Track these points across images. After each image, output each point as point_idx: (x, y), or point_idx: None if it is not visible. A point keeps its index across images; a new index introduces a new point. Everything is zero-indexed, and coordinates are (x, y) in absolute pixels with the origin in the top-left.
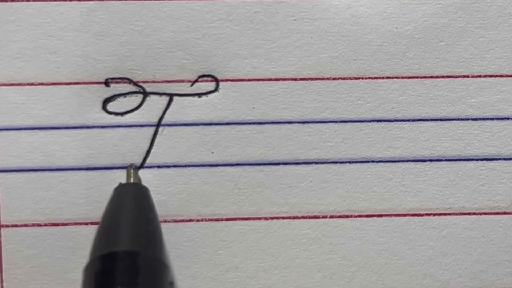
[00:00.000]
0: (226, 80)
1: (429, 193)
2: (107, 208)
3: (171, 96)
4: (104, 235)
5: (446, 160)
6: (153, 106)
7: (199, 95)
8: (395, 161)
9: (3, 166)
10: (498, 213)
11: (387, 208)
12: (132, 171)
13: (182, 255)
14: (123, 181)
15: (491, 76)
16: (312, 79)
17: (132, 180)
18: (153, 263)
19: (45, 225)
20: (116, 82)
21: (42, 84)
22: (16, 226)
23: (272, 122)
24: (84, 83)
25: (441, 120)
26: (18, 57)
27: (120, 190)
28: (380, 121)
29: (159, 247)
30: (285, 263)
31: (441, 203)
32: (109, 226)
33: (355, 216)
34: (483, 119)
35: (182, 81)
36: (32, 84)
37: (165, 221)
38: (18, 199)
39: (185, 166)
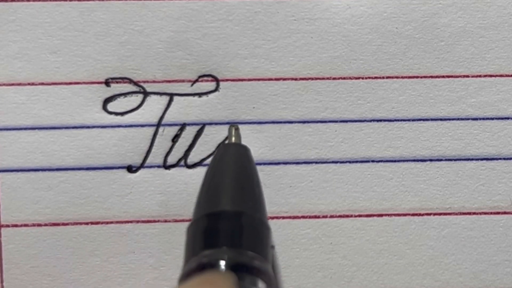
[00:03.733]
0: (226, 80)
1: (429, 193)
2: (210, 167)
3: (171, 96)
4: (208, 194)
5: (446, 160)
6: (153, 106)
7: (199, 95)
8: (395, 161)
9: (3, 166)
10: (498, 213)
11: (387, 208)
12: (233, 131)
13: (182, 255)
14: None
15: (491, 76)
16: (312, 79)
17: (233, 140)
18: (258, 225)
19: (45, 225)
20: (117, 82)
21: (42, 84)
22: (16, 226)
23: (272, 122)
24: (84, 83)
25: (441, 120)
26: (18, 57)
27: (223, 150)
28: (380, 121)
29: (263, 209)
30: (285, 263)
31: (441, 203)
32: (213, 186)
33: (355, 216)
34: (483, 119)
35: (182, 81)
36: (32, 84)
37: (165, 221)
38: (18, 199)
39: (185, 166)
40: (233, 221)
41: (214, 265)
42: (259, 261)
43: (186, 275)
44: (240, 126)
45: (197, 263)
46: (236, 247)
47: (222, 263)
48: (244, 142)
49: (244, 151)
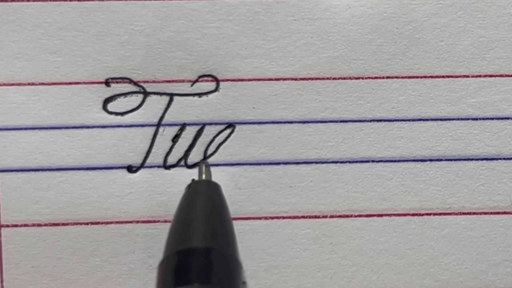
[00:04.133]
0: (226, 80)
1: (429, 193)
2: (181, 204)
3: (171, 96)
4: (179, 231)
5: (446, 160)
6: (153, 106)
7: (199, 95)
8: (395, 161)
9: (3, 166)
10: (498, 213)
11: (387, 208)
12: (204, 168)
13: None
14: (196, 177)
15: (491, 76)
16: (312, 79)
17: (204, 177)
18: (228, 261)
19: (45, 225)
20: (117, 82)
21: (42, 84)
22: (16, 226)
23: (272, 122)
24: (84, 83)
25: (441, 120)
26: (18, 57)
27: (193, 186)
28: (380, 121)
29: (233, 245)
30: (285, 263)
31: (441, 203)
32: (184, 223)
33: (355, 216)
34: (483, 119)
35: (182, 81)
36: (32, 84)
37: (165, 221)
38: (18, 199)
39: (186, 166)
40: (203, 258)
41: None
42: None
43: None
44: (240, 126)
45: None
46: (207, 284)
47: None
48: (244, 142)
49: (214, 187)
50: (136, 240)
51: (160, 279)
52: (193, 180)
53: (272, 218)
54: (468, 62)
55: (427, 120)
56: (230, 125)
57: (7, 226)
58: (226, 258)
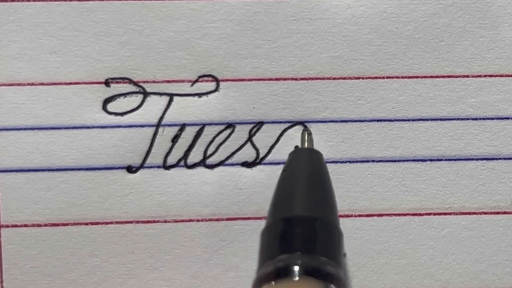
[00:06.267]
0: (226, 80)
1: (429, 193)
2: (283, 172)
3: (171, 96)
4: (283, 199)
5: (446, 160)
6: (153, 106)
7: (199, 95)
8: (395, 161)
9: (3, 166)
10: (498, 213)
11: (387, 208)
12: (306, 136)
13: (182, 255)
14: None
15: (491, 76)
16: (312, 79)
17: (306, 145)
18: (332, 231)
19: (45, 225)
20: (116, 82)
21: (42, 84)
22: (16, 226)
23: (273, 122)
24: (84, 83)
25: (441, 120)
26: (18, 57)
27: (296, 154)
28: (380, 121)
29: (336, 214)
30: None
31: (441, 203)
32: (287, 190)
33: (355, 216)
34: (483, 119)
35: (182, 81)
36: (32, 84)
37: (165, 221)
38: (18, 199)
39: (185, 166)
40: (307, 227)
41: (290, 270)
42: (332, 267)
43: (262, 278)
44: (240, 126)
45: (273, 267)
46: (310, 253)
47: (297, 269)
48: (244, 142)
49: (316, 155)
50: (136, 240)
51: (264, 246)
52: (296, 147)
53: None
54: (468, 62)
55: (427, 120)
56: (230, 125)
57: (7, 226)
58: (330, 227)
